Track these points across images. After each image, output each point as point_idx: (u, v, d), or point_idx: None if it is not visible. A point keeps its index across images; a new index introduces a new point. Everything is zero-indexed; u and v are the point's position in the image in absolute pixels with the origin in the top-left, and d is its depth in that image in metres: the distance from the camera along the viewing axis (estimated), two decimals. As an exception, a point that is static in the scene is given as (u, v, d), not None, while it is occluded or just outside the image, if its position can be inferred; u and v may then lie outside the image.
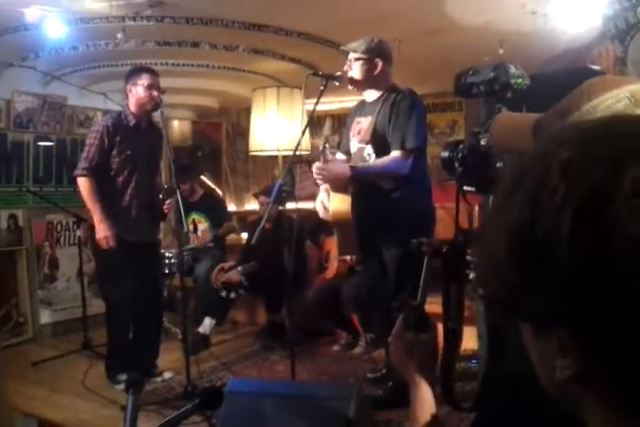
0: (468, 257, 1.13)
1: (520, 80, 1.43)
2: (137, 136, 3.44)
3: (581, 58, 4.57)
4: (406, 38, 4.09)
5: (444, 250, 1.18)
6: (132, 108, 3.44)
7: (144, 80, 3.37)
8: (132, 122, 3.44)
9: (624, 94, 0.79)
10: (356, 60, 2.99)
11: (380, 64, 2.99)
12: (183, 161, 5.07)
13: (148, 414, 2.98)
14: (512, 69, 1.44)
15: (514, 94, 1.40)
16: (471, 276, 1.10)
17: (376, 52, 2.99)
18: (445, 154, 1.43)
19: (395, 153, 2.90)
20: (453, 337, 1.22)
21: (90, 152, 3.36)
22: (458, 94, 1.55)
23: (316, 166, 2.85)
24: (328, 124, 2.99)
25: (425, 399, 1.07)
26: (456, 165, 1.37)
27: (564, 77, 1.43)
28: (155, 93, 3.36)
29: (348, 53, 3.05)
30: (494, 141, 1.05)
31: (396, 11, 3.84)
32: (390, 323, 2.93)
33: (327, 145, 2.92)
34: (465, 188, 1.38)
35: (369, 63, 2.98)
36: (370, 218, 2.95)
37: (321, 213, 3.06)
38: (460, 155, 1.36)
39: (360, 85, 3.07)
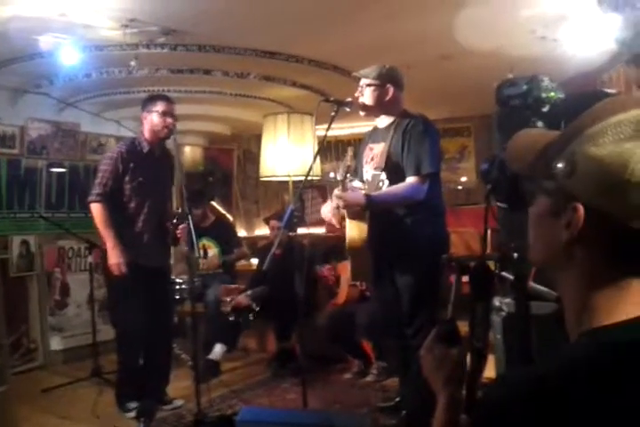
0: (503, 273, 1.10)
1: (553, 94, 1.40)
2: (150, 163, 3.46)
3: (591, 82, 4.58)
4: (416, 64, 4.12)
5: (472, 266, 1.16)
6: (147, 134, 3.46)
7: (159, 107, 3.40)
8: (146, 148, 3.46)
9: (629, 120, 0.72)
10: (368, 86, 3.00)
11: (391, 90, 2.99)
12: (195, 187, 5.08)
13: (158, 443, 2.94)
14: (545, 82, 1.42)
15: (552, 109, 1.38)
16: (497, 301, 1.07)
17: (387, 78, 3.00)
18: (485, 166, 1.40)
19: (410, 179, 2.88)
20: (479, 357, 1.19)
21: (103, 178, 3.37)
22: (499, 105, 1.53)
23: (334, 194, 2.86)
24: (350, 153, 2.95)
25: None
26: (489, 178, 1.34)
27: (580, 101, 1.41)
28: (169, 120, 3.39)
29: (359, 79, 3.06)
30: (507, 158, 1.01)
31: (405, 37, 3.87)
32: (404, 350, 2.91)
33: (348, 174, 2.90)
34: (498, 204, 1.35)
35: (380, 89, 2.99)
36: (384, 244, 2.92)
37: (330, 219, 3.00)
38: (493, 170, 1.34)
39: (372, 111, 3.07)
